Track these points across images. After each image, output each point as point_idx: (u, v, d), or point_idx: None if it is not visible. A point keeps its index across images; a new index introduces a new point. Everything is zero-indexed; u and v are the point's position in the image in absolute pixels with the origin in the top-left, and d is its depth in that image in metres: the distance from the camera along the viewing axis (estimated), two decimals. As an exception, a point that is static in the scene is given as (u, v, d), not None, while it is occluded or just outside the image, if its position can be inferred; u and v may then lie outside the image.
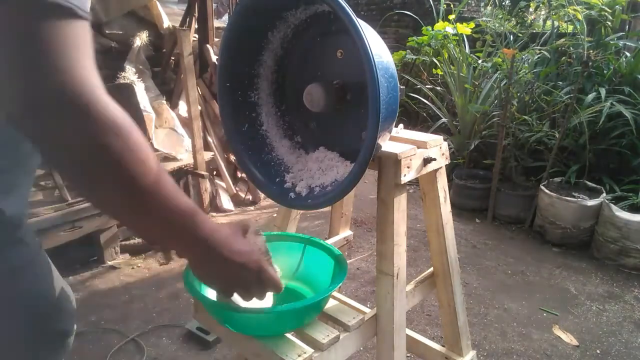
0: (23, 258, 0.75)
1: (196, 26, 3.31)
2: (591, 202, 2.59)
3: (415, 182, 1.08)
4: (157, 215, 0.54)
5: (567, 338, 1.92)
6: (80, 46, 0.47)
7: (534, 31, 3.74)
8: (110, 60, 2.92)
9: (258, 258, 0.67)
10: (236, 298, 0.83)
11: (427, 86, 3.97)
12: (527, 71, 3.16)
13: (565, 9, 2.84)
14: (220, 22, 4.27)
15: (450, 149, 2.91)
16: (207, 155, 2.97)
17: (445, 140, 1.04)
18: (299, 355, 0.80)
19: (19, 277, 0.73)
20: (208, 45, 3.22)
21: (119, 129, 0.48)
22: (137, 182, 0.50)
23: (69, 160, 0.48)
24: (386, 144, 0.94)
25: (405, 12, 5.01)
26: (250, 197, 3.32)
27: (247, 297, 0.70)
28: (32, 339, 0.78)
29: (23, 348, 0.76)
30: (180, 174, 2.80)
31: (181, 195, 0.55)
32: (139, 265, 2.44)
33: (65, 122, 0.45)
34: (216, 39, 3.29)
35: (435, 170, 1.03)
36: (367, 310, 0.97)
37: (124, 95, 2.55)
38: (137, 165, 0.50)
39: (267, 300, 0.78)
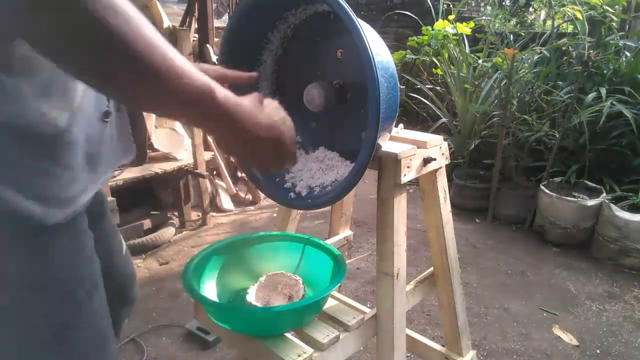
0: (112, 227, 0.88)
1: (196, 26, 3.31)
2: (591, 202, 2.59)
3: (415, 182, 1.08)
4: (174, 95, 0.52)
5: (567, 338, 1.92)
6: None
7: (534, 31, 3.74)
8: (110, 60, 2.92)
9: (279, 132, 0.66)
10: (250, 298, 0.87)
11: (427, 86, 3.96)
12: (527, 71, 3.16)
13: (565, 9, 2.83)
14: (220, 22, 4.27)
15: (450, 149, 2.91)
16: (207, 155, 2.97)
17: (445, 140, 1.04)
18: (299, 355, 0.80)
19: (111, 246, 0.84)
20: (208, 45, 3.22)
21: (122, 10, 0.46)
22: (150, 64, 0.49)
23: (77, 50, 0.45)
24: (386, 144, 0.94)
25: (405, 12, 5.01)
26: (250, 197, 3.32)
27: (264, 168, 0.74)
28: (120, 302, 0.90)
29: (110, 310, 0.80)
30: (180, 174, 2.80)
31: (198, 74, 0.54)
32: (139, 265, 2.44)
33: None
34: (216, 39, 3.29)
35: (435, 170, 1.03)
36: (367, 310, 0.97)
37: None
38: (146, 46, 0.48)
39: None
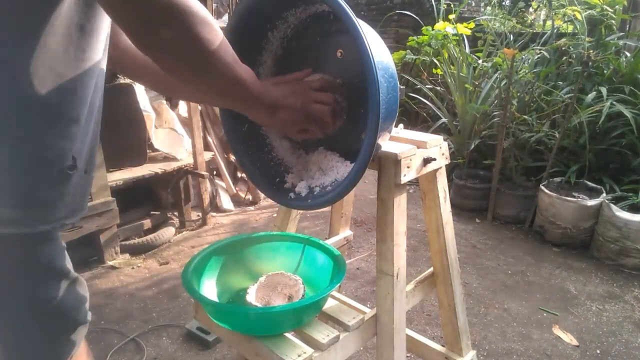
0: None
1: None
2: (591, 202, 2.59)
3: (415, 182, 1.08)
4: (220, 78, 0.66)
5: (567, 338, 1.92)
6: None
7: (534, 31, 3.74)
8: (111, 60, 2.92)
9: (302, 104, 0.76)
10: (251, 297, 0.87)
11: (427, 86, 3.96)
12: (527, 71, 3.16)
13: (565, 9, 2.83)
14: (220, 22, 4.26)
15: (450, 149, 2.92)
16: (207, 155, 2.97)
17: (445, 140, 1.04)
18: (299, 355, 0.80)
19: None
20: (208, 45, 3.22)
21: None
22: (207, 50, 0.61)
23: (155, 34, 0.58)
24: (386, 144, 0.94)
25: (405, 12, 5.01)
26: (250, 197, 3.32)
27: (301, 135, 0.83)
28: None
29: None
30: (180, 174, 2.80)
31: (239, 64, 0.67)
32: (139, 265, 2.44)
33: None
34: (216, 39, 3.29)
35: (435, 170, 1.03)
36: (367, 310, 0.97)
37: (124, 95, 2.55)
38: (208, 37, 0.60)
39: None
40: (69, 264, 0.80)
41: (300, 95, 0.76)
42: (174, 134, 2.88)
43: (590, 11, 2.82)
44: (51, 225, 0.69)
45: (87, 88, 0.69)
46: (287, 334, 0.86)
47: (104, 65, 0.73)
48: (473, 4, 5.47)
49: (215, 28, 0.61)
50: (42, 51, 0.60)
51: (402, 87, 0.90)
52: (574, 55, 3.02)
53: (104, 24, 0.69)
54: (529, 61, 3.28)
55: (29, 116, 0.62)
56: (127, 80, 2.55)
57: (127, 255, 2.51)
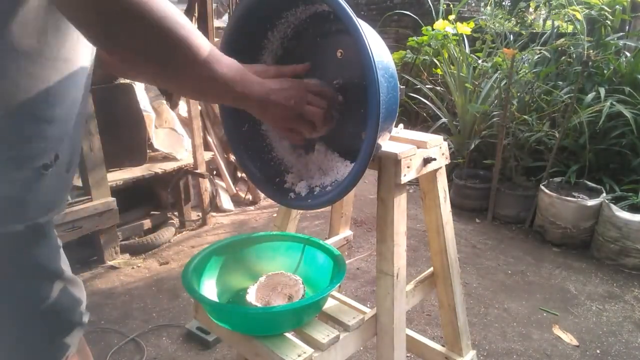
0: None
1: (196, 26, 3.31)
2: (591, 202, 2.59)
3: (415, 182, 1.08)
4: (209, 88, 0.66)
5: (567, 338, 1.92)
6: None
7: (534, 31, 3.74)
8: (110, 60, 2.92)
9: (295, 102, 0.75)
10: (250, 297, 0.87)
11: (427, 86, 3.96)
12: (527, 71, 3.16)
13: (565, 9, 2.83)
14: (220, 22, 4.26)
15: (450, 149, 2.91)
16: (207, 155, 2.97)
17: (445, 140, 1.04)
18: (299, 355, 0.80)
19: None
20: (208, 45, 3.22)
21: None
22: (175, 48, 0.58)
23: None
24: (386, 144, 0.94)
25: (405, 12, 5.01)
26: (250, 197, 3.32)
27: (288, 133, 0.82)
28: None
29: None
30: (180, 174, 2.80)
31: (219, 60, 0.64)
32: (139, 265, 2.44)
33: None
34: (216, 39, 3.29)
35: (435, 170, 1.03)
36: (367, 310, 0.97)
37: (124, 95, 2.55)
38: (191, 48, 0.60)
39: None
40: (64, 265, 0.79)
41: (295, 94, 0.75)
42: (174, 134, 2.88)
43: (588, 11, 2.82)
44: (24, 223, 0.68)
45: (66, 88, 0.67)
46: (287, 334, 0.86)
47: (87, 64, 0.71)
48: (473, 4, 5.47)
49: (182, 22, 0.58)
50: (11, 51, 0.58)
51: (402, 87, 0.89)
52: (574, 55, 3.02)
53: None
54: (529, 61, 3.28)
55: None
56: (127, 80, 2.55)
57: (127, 255, 2.50)
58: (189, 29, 0.59)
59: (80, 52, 0.68)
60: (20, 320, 0.73)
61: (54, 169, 0.69)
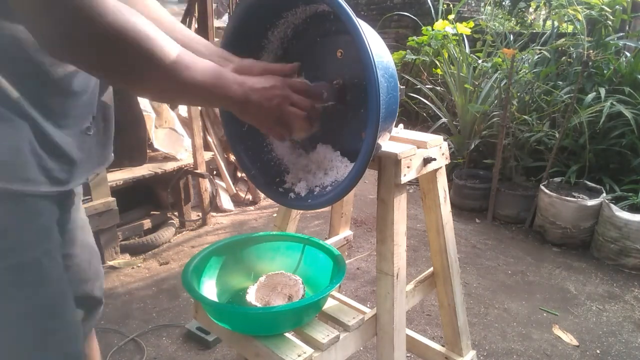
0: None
1: (196, 26, 3.31)
2: (591, 202, 2.59)
3: (415, 182, 1.08)
4: (183, 94, 0.67)
5: (567, 338, 1.92)
6: None
7: (534, 31, 3.74)
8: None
9: (277, 103, 0.73)
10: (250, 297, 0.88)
11: (427, 86, 3.97)
12: (527, 71, 3.16)
13: (566, 9, 2.83)
14: (220, 22, 4.26)
15: (450, 149, 2.92)
16: (207, 155, 2.97)
17: (445, 140, 1.04)
18: (299, 355, 0.80)
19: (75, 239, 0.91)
20: (208, 45, 3.22)
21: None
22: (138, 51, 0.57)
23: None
24: (386, 144, 0.94)
25: (405, 12, 5.01)
26: (250, 197, 3.32)
27: (269, 132, 0.80)
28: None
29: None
30: (180, 174, 2.80)
31: (191, 65, 0.63)
32: (139, 265, 2.44)
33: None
34: (216, 39, 3.29)
35: (435, 170, 1.03)
36: (367, 310, 0.97)
37: (124, 95, 2.55)
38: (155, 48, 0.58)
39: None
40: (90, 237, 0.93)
41: (278, 93, 0.73)
42: (174, 134, 2.88)
43: (589, 11, 2.82)
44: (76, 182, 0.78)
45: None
46: (287, 334, 0.86)
47: None
48: (473, 4, 5.47)
49: (145, 33, 0.56)
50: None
51: (402, 87, 0.89)
52: (574, 55, 3.02)
53: None
54: (529, 61, 3.28)
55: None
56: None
57: (127, 255, 2.50)
58: (153, 39, 0.57)
59: None
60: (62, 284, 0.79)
61: (92, 132, 0.79)
